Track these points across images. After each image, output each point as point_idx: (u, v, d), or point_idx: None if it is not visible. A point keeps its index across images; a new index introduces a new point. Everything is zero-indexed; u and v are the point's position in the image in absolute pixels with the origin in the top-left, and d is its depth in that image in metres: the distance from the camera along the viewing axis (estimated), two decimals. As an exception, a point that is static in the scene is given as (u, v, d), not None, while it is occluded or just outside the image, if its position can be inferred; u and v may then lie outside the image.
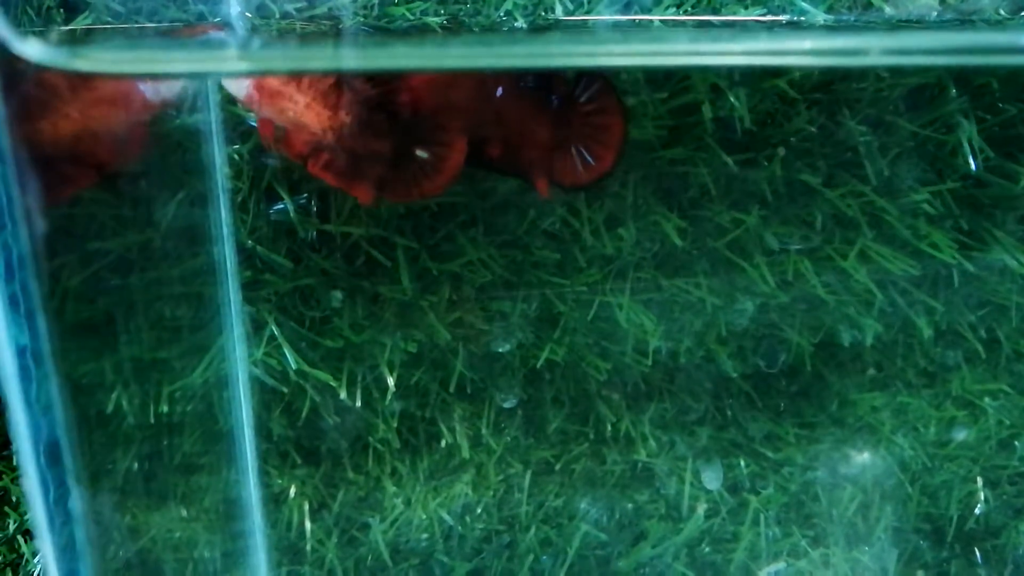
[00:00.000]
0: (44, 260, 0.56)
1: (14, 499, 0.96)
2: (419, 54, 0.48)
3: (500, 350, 0.82)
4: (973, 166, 0.80)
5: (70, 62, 0.39)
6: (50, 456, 0.43)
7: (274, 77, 0.62)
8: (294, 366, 0.76)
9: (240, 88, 0.65)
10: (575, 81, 0.72)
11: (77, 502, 0.48)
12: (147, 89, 0.61)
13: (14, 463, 0.96)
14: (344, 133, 0.65)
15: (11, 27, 0.39)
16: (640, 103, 0.75)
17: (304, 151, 0.66)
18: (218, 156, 0.70)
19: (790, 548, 0.93)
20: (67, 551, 0.44)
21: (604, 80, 0.71)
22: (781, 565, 0.92)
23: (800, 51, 0.48)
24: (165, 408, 0.77)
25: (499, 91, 0.69)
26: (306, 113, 0.64)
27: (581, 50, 0.50)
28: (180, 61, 0.44)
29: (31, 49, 0.37)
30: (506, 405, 0.86)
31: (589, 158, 0.72)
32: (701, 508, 0.91)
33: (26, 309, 0.46)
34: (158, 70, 0.46)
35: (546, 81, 0.71)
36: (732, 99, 0.75)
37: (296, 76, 0.62)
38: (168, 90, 0.62)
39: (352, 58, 0.45)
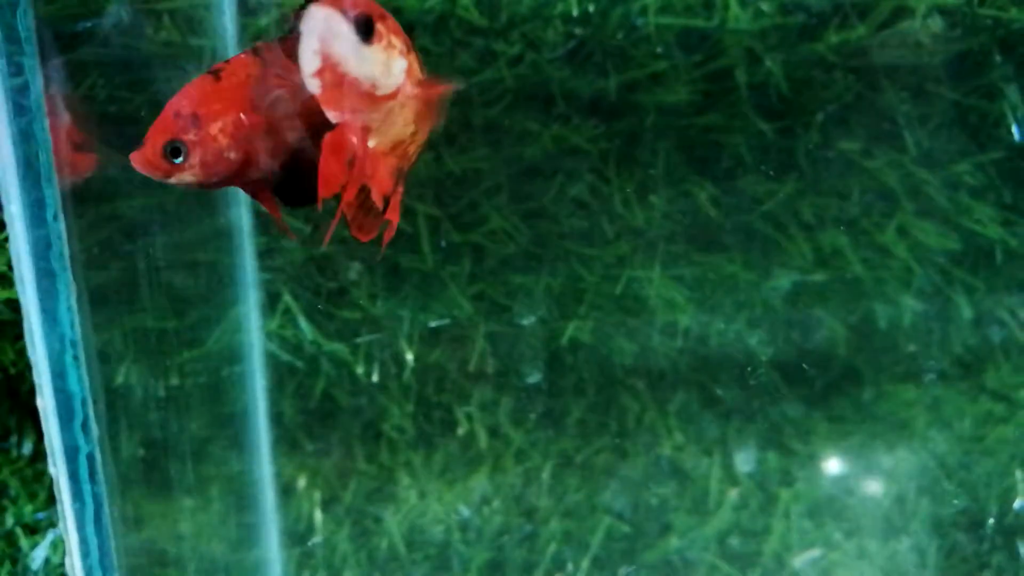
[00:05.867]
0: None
1: (12, 493, 0.92)
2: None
3: (523, 322, 0.79)
4: (1017, 136, 0.78)
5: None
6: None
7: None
8: (309, 338, 0.73)
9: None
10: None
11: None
12: None
13: (12, 455, 0.93)
14: None
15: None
16: (672, 67, 0.72)
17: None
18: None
19: (823, 540, 0.90)
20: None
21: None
22: (816, 553, 0.89)
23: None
24: (176, 381, 0.74)
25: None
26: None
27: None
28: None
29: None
30: (530, 380, 0.83)
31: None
32: (733, 493, 0.87)
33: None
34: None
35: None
36: (769, 63, 0.72)
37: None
38: None
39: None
